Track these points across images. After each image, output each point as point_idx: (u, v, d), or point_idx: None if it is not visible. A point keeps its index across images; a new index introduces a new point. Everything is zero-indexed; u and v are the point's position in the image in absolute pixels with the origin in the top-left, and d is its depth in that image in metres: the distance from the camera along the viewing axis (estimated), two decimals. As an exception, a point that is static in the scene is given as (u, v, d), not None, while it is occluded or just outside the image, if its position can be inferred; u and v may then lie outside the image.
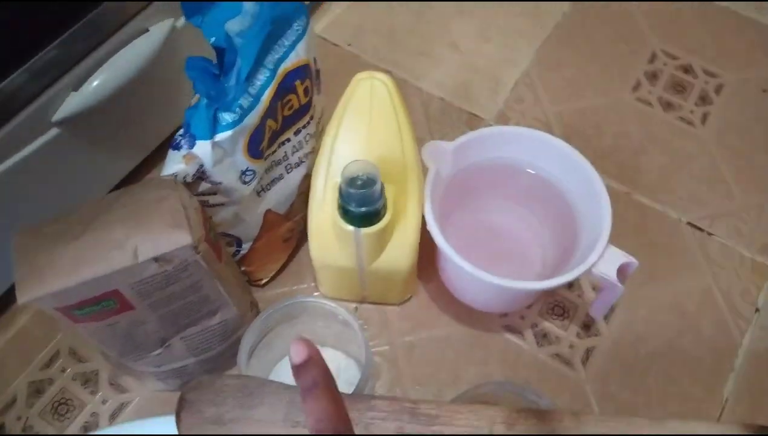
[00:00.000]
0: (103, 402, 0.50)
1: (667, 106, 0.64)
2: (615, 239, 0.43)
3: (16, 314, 0.54)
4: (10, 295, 0.53)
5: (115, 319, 0.39)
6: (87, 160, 0.51)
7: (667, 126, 0.63)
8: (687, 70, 0.66)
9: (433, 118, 0.64)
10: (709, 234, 0.56)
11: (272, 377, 0.48)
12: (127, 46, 0.48)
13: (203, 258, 0.38)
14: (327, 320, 0.44)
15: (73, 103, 0.46)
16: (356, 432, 0.30)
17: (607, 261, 0.42)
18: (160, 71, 0.51)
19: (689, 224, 0.57)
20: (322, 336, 0.48)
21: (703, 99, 0.64)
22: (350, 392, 0.38)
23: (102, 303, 0.37)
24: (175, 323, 0.42)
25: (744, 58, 0.67)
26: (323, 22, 0.71)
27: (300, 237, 0.55)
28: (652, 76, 0.66)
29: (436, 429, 0.30)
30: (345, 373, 0.48)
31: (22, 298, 0.34)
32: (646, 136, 0.62)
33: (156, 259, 0.36)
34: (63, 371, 0.52)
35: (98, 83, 0.47)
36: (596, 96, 0.65)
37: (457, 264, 0.42)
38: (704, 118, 0.63)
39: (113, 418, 0.49)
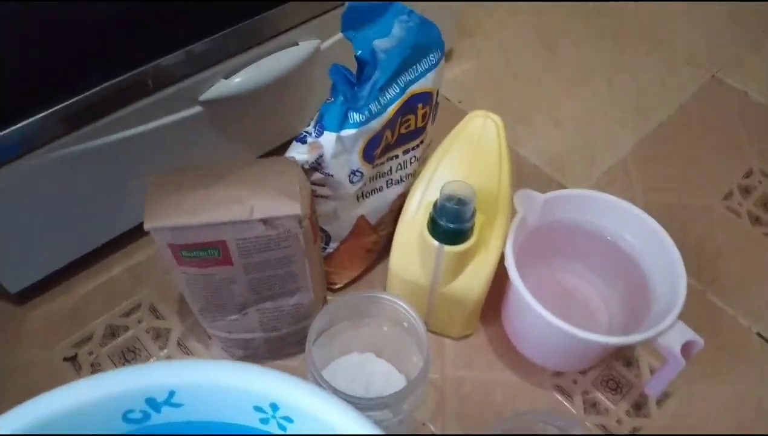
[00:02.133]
0: (167, 358, 0.54)
1: (756, 220, 0.65)
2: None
3: (112, 263, 0.60)
4: (110, 246, 0.58)
5: (213, 270, 0.43)
6: (221, 142, 0.58)
7: (752, 239, 0.63)
8: (781, 192, 0.67)
9: (525, 182, 0.67)
10: (780, 349, 0.56)
11: (328, 371, 0.50)
12: (277, 53, 0.55)
13: (303, 234, 0.41)
14: (392, 324, 0.46)
15: (220, 88, 0.53)
16: None
17: (674, 334, 0.43)
18: (297, 80, 0.57)
19: (758, 334, 0.56)
20: (382, 344, 0.50)
21: (794, 222, 0.65)
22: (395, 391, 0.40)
23: (209, 250, 0.41)
24: (258, 291, 0.45)
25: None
26: (440, 77, 0.77)
27: (381, 254, 0.58)
28: (745, 191, 0.67)
29: None
30: (393, 386, 0.50)
31: (147, 224, 0.39)
32: (730, 244, 0.63)
33: (265, 221, 0.40)
34: (140, 322, 0.56)
35: (245, 78, 0.53)
36: (687, 196, 0.66)
37: (525, 301, 0.44)
38: (791, 239, 0.63)
39: (173, 374, 0.53)
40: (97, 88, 0.46)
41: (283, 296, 0.47)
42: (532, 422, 0.40)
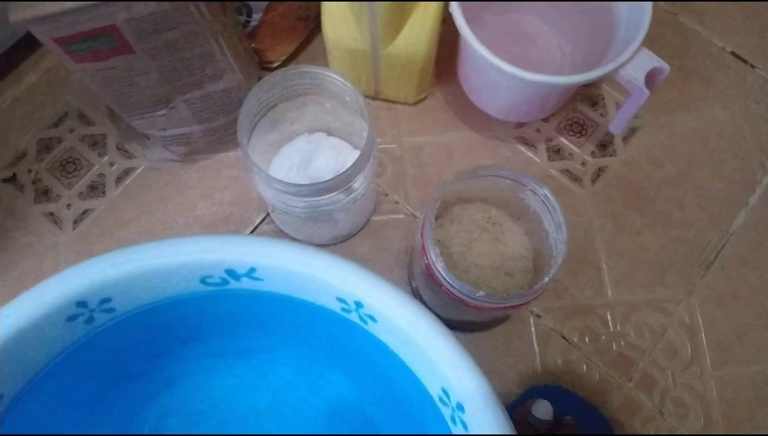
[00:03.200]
0: (110, 165, 0.51)
1: None
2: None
3: (27, 71, 0.54)
4: (17, 49, 0.52)
5: (114, 61, 0.37)
6: None
7: (735, -54, 0.56)
8: None
9: None
10: (753, 66, 0.52)
11: (279, 157, 0.47)
12: None
13: (204, 2, 0.35)
14: (334, 100, 0.43)
15: None
16: None
17: (637, 63, 0.39)
18: None
19: (733, 53, 0.53)
20: (330, 122, 0.47)
21: None
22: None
23: (100, 39, 0.35)
24: (177, 80, 0.41)
25: None
26: None
27: (316, 22, 0.52)
28: None
29: None
30: (351, 161, 0.47)
31: (13, 16, 0.33)
32: (709, -45, 0.56)
33: (154, -7, 0.33)
34: (71, 131, 0.52)
35: None
36: None
37: (475, 50, 0.40)
38: (780, -60, 0.56)
39: (119, 181, 0.50)
40: None
41: (208, 81, 0.42)
42: (482, 176, 0.38)
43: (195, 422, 0.39)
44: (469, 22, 0.41)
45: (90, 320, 0.29)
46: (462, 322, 0.46)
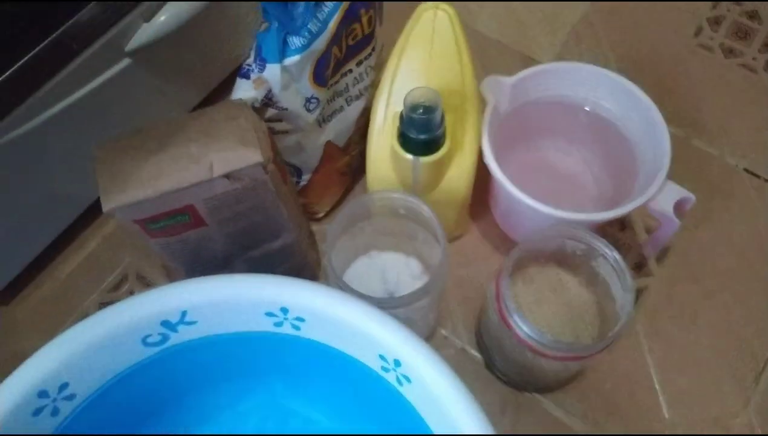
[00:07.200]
0: (169, 322, 0.53)
1: (729, 52, 0.62)
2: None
3: (87, 239, 0.57)
4: (80, 221, 0.56)
5: (186, 235, 0.41)
6: (158, 90, 0.53)
7: (728, 73, 0.61)
8: (752, 16, 0.64)
9: (488, 60, 0.64)
10: (766, 181, 0.55)
11: (349, 271, 0.49)
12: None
13: (271, 179, 0.39)
14: (428, 231, 0.45)
15: (144, 33, 0.48)
16: None
17: (664, 195, 0.42)
18: (227, 5, 0.52)
19: (746, 170, 0.56)
20: (405, 241, 0.49)
21: (768, 45, 0.62)
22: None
23: (176, 217, 0.39)
24: (239, 243, 0.44)
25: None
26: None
27: (355, 173, 0.56)
28: (715, 23, 0.64)
29: None
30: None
31: (106, 206, 0.36)
32: (706, 82, 0.61)
33: (227, 176, 0.37)
34: (131, 293, 0.55)
35: (168, 15, 0.48)
36: (656, 41, 0.63)
37: (512, 195, 0.43)
38: (767, 65, 0.61)
39: (178, 337, 0.52)
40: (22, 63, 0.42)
41: (267, 241, 0.45)
42: (553, 237, 0.42)
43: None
44: (500, 160, 0.45)
45: (55, 411, 0.31)
46: (529, 381, 0.48)
